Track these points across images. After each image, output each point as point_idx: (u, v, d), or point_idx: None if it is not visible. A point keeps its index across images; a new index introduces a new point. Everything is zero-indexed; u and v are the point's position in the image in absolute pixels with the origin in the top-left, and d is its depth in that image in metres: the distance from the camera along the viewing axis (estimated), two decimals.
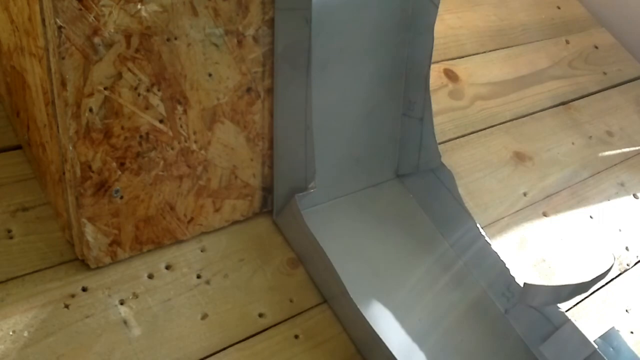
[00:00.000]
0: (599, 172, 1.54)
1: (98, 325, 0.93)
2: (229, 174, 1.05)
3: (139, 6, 0.85)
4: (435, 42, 1.15)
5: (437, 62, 1.57)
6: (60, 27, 0.79)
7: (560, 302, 0.86)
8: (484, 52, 1.69)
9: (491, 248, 1.14)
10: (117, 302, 0.96)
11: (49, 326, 0.90)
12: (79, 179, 0.90)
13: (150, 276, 1.00)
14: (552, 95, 1.69)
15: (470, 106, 1.53)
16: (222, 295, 1.02)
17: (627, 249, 1.39)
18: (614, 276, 1.33)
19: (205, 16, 0.91)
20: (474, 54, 1.66)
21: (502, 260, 1.13)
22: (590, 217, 1.43)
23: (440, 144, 1.24)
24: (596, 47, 1.94)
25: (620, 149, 1.63)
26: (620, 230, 1.43)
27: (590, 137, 1.63)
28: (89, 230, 0.94)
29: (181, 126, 0.96)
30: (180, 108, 0.95)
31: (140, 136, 0.93)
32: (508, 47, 1.74)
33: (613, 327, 1.21)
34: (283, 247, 1.11)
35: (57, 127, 0.87)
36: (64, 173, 0.91)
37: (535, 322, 1.09)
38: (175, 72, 0.92)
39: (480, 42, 1.71)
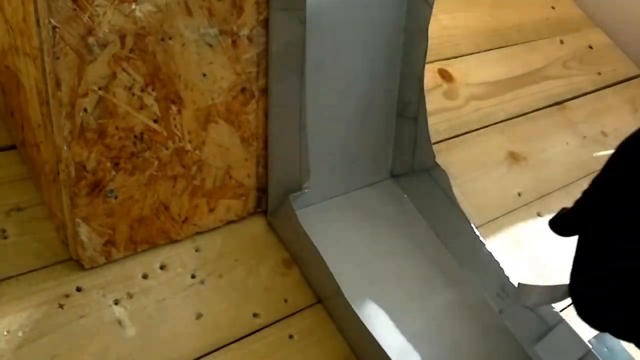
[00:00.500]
0: (593, 172, 1.54)
1: (92, 325, 0.93)
2: (223, 174, 1.05)
3: (133, 6, 0.85)
4: (430, 42, 1.15)
5: (432, 62, 1.57)
6: (54, 27, 0.79)
7: (554, 302, 0.86)
8: (479, 52, 1.69)
9: (485, 248, 1.14)
10: (111, 302, 0.96)
11: (43, 326, 0.90)
12: (74, 179, 0.90)
13: (145, 276, 1.00)
14: (547, 95, 1.69)
15: (465, 106, 1.53)
16: (216, 295, 1.02)
17: None
18: None
19: (200, 16, 0.91)
20: (468, 54, 1.67)
21: (496, 261, 1.13)
22: None
23: (434, 144, 1.24)
24: (591, 47, 1.94)
25: (614, 149, 1.63)
26: None
27: (585, 137, 1.63)
28: (84, 230, 0.94)
29: (175, 126, 0.96)
30: (174, 108, 0.95)
31: (135, 136, 0.93)
32: (502, 47, 1.74)
33: None
34: (277, 247, 1.11)
35: (52, 127, 0.87)
36: (58, 173, 0.91)
37: (529, 322, 1.09)
38: (169, 72, 0.92)
39: (474, 42, 1.71)
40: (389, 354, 0.97)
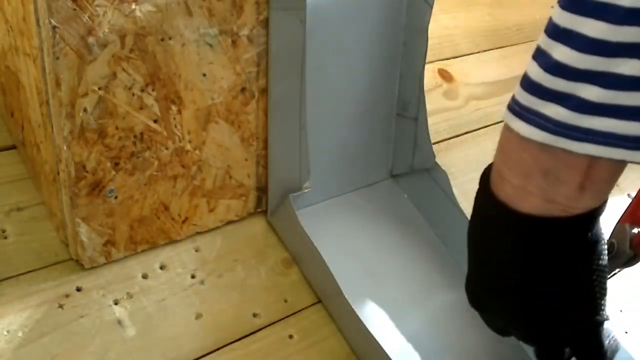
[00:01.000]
0: None
1: (92, 325, 0.93)
2: (223, 174, 1.05)
3: (133, 6, 0.85)
4: (430, 42, 1.15)
5: (432, 62, 1.57)
6: (54, 27, 0.79)
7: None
8: (479, 52, 1.69)
9: None
10: (111, 302, 0.96)
11: (43, 326, 0.90)
12: (73, 179, 0.90)
13: (145, 276, 1.00)
14: None
15: (465, 106, 1.53)
16: (216, 295, 1.02)
17: None
18: (607, 276, 1.33)
19: (200, 16, 0.91)
20: (468, 54, 1.66)
21: None
22: None
23: (434, 143, 1.24)
24: None
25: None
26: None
27: None
28: (83, 230, 0.94)
29: (175, 126, 0.96)
30: (174, 108, 0.95)
31: (135, 136, 0.93)
32: (503, 47, 1.74)
33: (607, 327, 1.21)
34: (277, 247, 1.11)
35: (52, 127, 0.87)
36: (58, 173, 0.91)
37: None
38: (169, 72, 0.92)
39: (474, 42, 1.71)
40: (389, 354, 0.97)
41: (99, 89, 0.86)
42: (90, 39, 0.83)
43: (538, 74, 0.57)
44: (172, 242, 1.05)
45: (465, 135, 1.46)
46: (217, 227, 1.09)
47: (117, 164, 0.93)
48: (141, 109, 0.91)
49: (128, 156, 0.93)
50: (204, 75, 0.96)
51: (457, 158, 1.40)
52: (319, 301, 1.07)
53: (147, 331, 0.95)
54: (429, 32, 1.14)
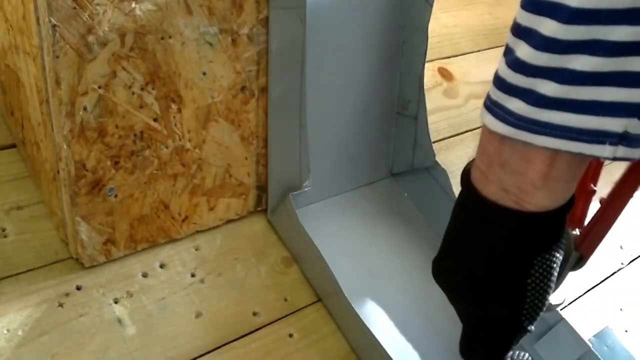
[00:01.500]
0: None
1: (92, 324, 0.93)
2: (224, 172, 1.05)
3: (133, 5, 0.85)
4: (430, 40, 1.15)
5: (432, 60, 1.57)
6: (54, 26, 0.79)
7: None
8: (479, 50, 1.69)
9: None
10: (111, 301, 0.96)
11: (43, 325, 0.90)
12: (73, 178, 0.90)
13: (145, 275, 1.00)
14: None
15: (465, 105, 1.53)
16: (216, 294, 1.02)
17: (621, 247, 1.40)
18: (608, 275, 1.33)
19: (200, 15, 0.91)
20: (468, 53, 1.66)
21: None
22: None
23: (434, 142, 1.24)
24: None
25: None
26: (614, 229, 1.43)
27: None
28: (83, 229, 0.94)
29: (175, 125, 0.96)
30: (174, 107, 0.95)
31: (135, 135, 0.93)
32: (502, 45, 1.73)
33: (607, 326, 1.21)
34: (277, 246, 1.11)
35: (52, 125, 0.87)
36: (58, 172, 0.91)
37: None
38: (169, 71, 0.92)
39: (474, 41, 1.70)
40: (389, 352, 0.97)
41: (99, 87, 0.86)
42: (90, 38, 0.83)
43: (503, 70, 0.59)
44: (172, 240, 1.05)
45: (465, 133, 1.46)
46: (217, 226, 1.09)
47: (117, 163, 0.93)
48: (141, 107, 0.91)
49: (128, 155, 0.93)
50: (204, 73, 0.96)
51: (457, 157, 1.40)
52: (319, 300, 1.07)
53: (147, 330, 0.95)
54: (429, 30, 1.14)
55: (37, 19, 0.81)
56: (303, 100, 1.03)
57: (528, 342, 1.09)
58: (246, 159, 1.07)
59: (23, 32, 0.88)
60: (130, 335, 0.93)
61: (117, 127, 0.90)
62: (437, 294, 1.14)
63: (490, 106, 0.60)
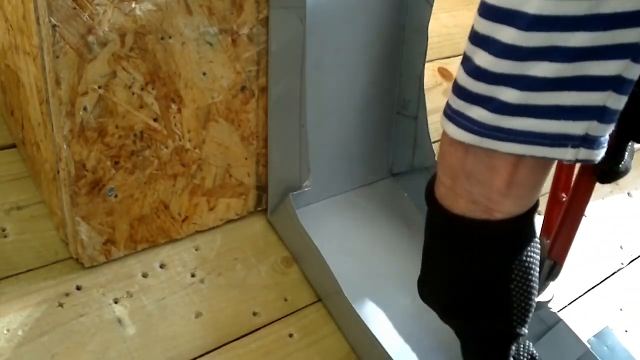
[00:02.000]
0: None
1: (92, 323, 0.93)
2: (223, 172, 1.05)
3: (133, 5, 0.85)
4: (430, 40, 1.15)
5: (432, 60, 1.57)
6: (54, 26, 0.79)
7: None
8: None
9: None
10: (111, 301, 0.96)
11: (43, 325, 0.90)
12: (73, 178, 0.90)
13: (145, 275, 1.00)
14: None
15: None
16: (216, 294, 1.02)
17: (621, 247, 1.40)
18: (607, 275, 1.33)
19: (200, 15, 0.91)
20: None
21: None
22: (584, 215, 1.43)
23: (434, 142, 1.24)
24: None
25: None
26: (614, 229, 1.43)
27: None
28: (83, 229, 0.94)
29: (175, 125, 0.96)
30: (174, 107, 0.95)
31: (135, 135, 0.93)
32: None
33: (607, 326, 1.21)
34: (277, 246, 1.11)
35: (52, 125, 0.87)
36: (58, 172, 0.91)
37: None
38: (169, 71, 0.92)
39: None
40: (389, 351, 0.97)
41: (99, 87, 0.86)
42: (90, 38, 0.83)
43: (463, 79, 0.59)
44: (172, 240, 1.05)
45: None
46: (217, 226, 1.09)
47: (117, 163, 0.93)
48: (141, 107, 0.91)
49: (128, 155, 0.93)
50: (204, 74, 0.96)
51: None
52: (319, 300, 1.07)
53: (147, 330, 0.95)
54: (429, 30, 1.14)
55: (37, 18, 0.81)
56: (303, 100, 1.03)
57: None
58: (246, 159, 1.07)
59: (23, 32, 0.88)
60: (130, 335, 0.93)
61: (117, 127, 0.90)
62: None
63: (452, 115, 0.60)
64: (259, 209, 1.14)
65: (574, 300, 1.25)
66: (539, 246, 0.67)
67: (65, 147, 0.87)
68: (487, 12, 0.56)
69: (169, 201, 1.01)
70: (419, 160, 1.23)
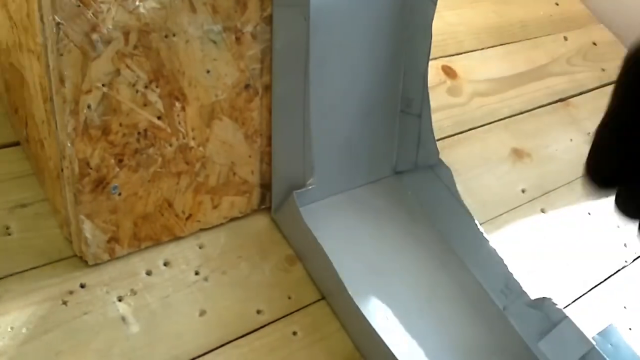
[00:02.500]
0: None
1: (96, 321, 0.93)
2: (227, 170, 1.05)
3: (137, 3, 0.85)
4: (434, 38, 1.15)
5: (435, 58, 1.57)
6: (58, 24, 0.79)
7: None
8: (482, 48, 1.69)
9: (489, 245, 1.14)
10: (115, 299, 0.96)
11: (47, 323, 0.90)
12: (77, 176, 0.90)
13: (149, 273, 1.00)
14: (551, 91, 1.69)
15: (469, 103, 1.53)
16: (220, 292, 1.02)
17: (625, 245, 1.40)
18: (611, 273, 1.33)
19: (204, 13, 0.91)
20: (472, 51, 1.66)
21: (500, 257, 1.13)
22: (589, 213, 1.43)
23: (438, 140, 1.24)
24: (594, 44, 1.94)
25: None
26: (618, 227, 1.43)
27: (589, 133, 1.63)
28: (87, 227, 0.94)
29: (179, 123, 0.96)
30: (178, 105, 0.95)
31: (139, 133, 0.93)
32: (506, 43, 1.74)
33: (611, 324, 1.21)
34: (281, 244, 1.11)
35: (56, 123, 0.87)
36: (62, 170, 0.91)
37: (533, 319, 1.09)
38: (173, 69, 0.92)
39: (478, 39, 1.70)
40: (393, 350, 0.97)
41: (103, 85, 0.86)
42: (94, 36, 0.83)
43: None
44: (176, 238, 1.05)
45: (469, 131, 1.46)
46: (221, 224, 1.09)
47: (120, 161, 0.93)
48: (145, 105, 0.91)
49: (132, 153, 0.93)
50: (208, 71, 0.96)
51: (461, 155, 1.40)
52: (323, 298, 1.07)
53: (151, 328, 0.95)
54: (433, 28, 1.14)
55: (41, 17, 0.81)
56: (307, 98, 1.03)
57: (532, 340, 1.09)
58: (250, 157, 1.07)
59: (27, 30, 0.88)
60: (134, 333, 0.93)
61: (121, 125, 0.90)
62: (441, 292, 1.14)
63: None
64: (263, 207, 1.14)
65: (578, 298, 1.25)
66: None
67: (69, 145, 0.87)
68: None
69: (173, 199, 1.01)
70: (423, 158, 1.23)
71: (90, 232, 0.95)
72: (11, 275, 0.93)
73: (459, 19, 1.73)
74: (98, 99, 0.87)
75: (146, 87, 0.90)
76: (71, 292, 0.94)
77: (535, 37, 1.82)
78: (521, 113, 1.58)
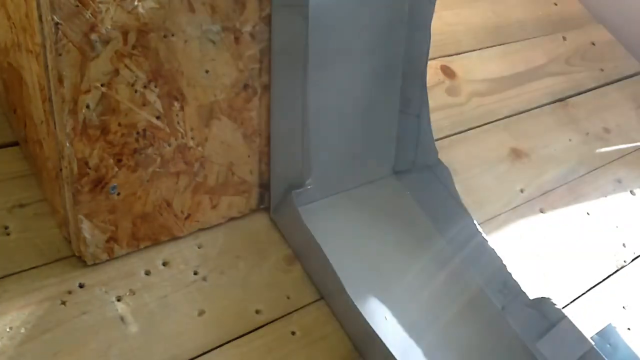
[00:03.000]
0: (595, 169, 1.54)
1: (95, 321, 0.93)
2: (226, 170, 1.05)
3: (136, 3, 0.85)
4: (432, 38, 1.15)
5: (434, 58, 1.57)
6: (57, 24, 0.79)
7: None
8: (481, 48, 1.69)
9: (488, 245, 1.14)
10: (114, 299, 0.96)
11: (45, 323, 0.90)
12: (76, 176, 0.90)
13: (147, 273, 1.00)
14: (549, 91, 1.69)
15: (467, 103, 1.53)
16: (218, 291, 1.02)
17: (624, 245, 1.40)
18: (610, 273, 1.33)
19: (202, 13, 0.91)
20: (470, 51, 1.66)
21: (498, 257, 1.13)
22: (587, 213, 1.43)
23: (437, 140, 1.24)
24: (593, 44, 1.94)
25: (617, 145, 1.63)
26: (617, 227, 1.43)
27: (587, 133, 1.63)
28: (86, 227, 0.94)
29: (178, 123, 0.96)
30: (177, 105, 0.95)
31: (137, 133, 0.93)
32: (505, 43, 1.74)
33: (610, 324, 1.21)
34: (280, 244, 1.11)
35: (54, 123, 0.87)
36: (60, 170, 0.91)
37: (532, 319, 1.09)
38: (172, 69, 0.92)
39: (477, 39, 1.71)
40: (392, 350, 0.97)
41: (102, 85, 0.86)
42: (93, 36, 0.83)
43: None
44: (174, 238, 1.05)
45: (468, 131, 1.47)
46: (220, 224, 1.09)
47: (119, 161, 0.93)
48: (144, 105, 0.91)
49: (131, 153, 0.93)
50: (207, 71, 0.96)
51: (460, 155, 1.40)
52: (321, 298, 1.07)
53: (150, 328, 0.95)
54: (432, 28, 1.14)
55: (40, 17, 0.81)
56: (305, 98, 1.03)
57: (531, 340, 1.09)
58: (249, 157, 1.07)
59: (26, 30, 0.88)
60: (132, 333, 0.93)
61: (119, 125, 0.90)
62: (440, 292, 1.14)
63: None
64: (262, 206, 1.14)
65: (577, 298, 1.25)
66: None
67: (67, 145, 0.87)
68: None
69: (172, 199, 1.01)
70: (422, 158, 1.23)
71: (89, 232, 0.95)
72: (10, 275, 0.93)
73: (458, 19, 1.73)
74: (97, 99, 0.87)
75: (145, 87, 0.90)
76: (70, 292, 0.94)
77: (534, 37, 1.82)
78: (520, 113, 1.58)
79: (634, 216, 1.48)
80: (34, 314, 0.91)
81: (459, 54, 1.64)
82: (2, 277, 0.93)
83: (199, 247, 1.05)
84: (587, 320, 1.21)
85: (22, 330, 0.89)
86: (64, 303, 0.93)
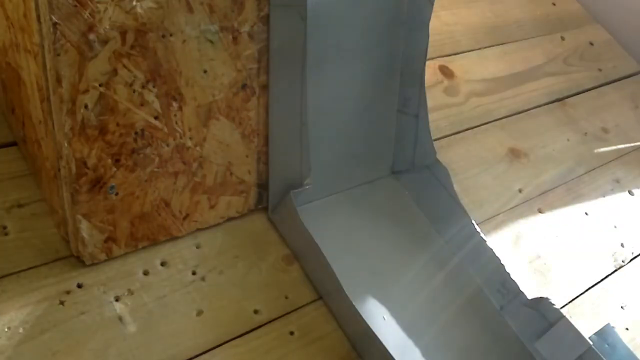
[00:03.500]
0: (594, 169, 1.54)
1: (93, 321, 0.93)
2: (224, 170, 1.05)
3: (134, 3, 0.85)
4: (431, 38, 1.15)
5: (432, 58, 1.57)
6: (55, 24, 0.79)
7: None
8: (479, 48, 1.69)
9: (486, 244, 1.14)
10: (112, 299, 0.96)
11: (44, 323, 0.90)
12: (74, 176, 0.90)
13: (146, 273, 1.00)
14: (548, 91, 1.69)
15: (466, 103, 1.53)
16: (217, 291, 1.02)
17: (622, 245, 1.40)
18: (609, 273, 1.33)
19: (201, 12, 0.91)
20: (469, 51, 1.67)
21: (497, 257, 1.13)
22: (586, 213, 1.43)
23: (435, 140, 1.24)
24: (591, 44, 1.94)
25: (615, 145, 1.63)
26: (615, 227, 1.43)
27: (586, 133, 1.63)
28: (84, 227, 0.94)
29: (176, 123, 0.96)
30: (175, 104, 0.95)
31: (136, 133, 0.93)
32: (503, 43, 1.74)
33: (608, 324, 1.21)
34: (278, 244, 1.11)
35: (53, 123, 0.87)
36: (59, 169, 0.91)
37: (530, 319, 1.09)
38: (170, 69, 0.92)
39: (475, 39, 1.71)
40: (390, 350, 0.97)
41: (100, 85, 0.86)
42: (91, 36, 0.83)
43: None
44: (173, 238, 1.05)
45: (466, 131, 1.47)
46: (218, 224, 1.09)
47: (118, 161, 0.93)
48: (142, 105, 0.91)
49: (129, 153, 0.93)
50: (205, 71, 0.96)
51: (458, 154, 1.40)
52: (320, 298, 1.07)
53: (148, 328, 0.95)
54: (430, 28, 1.14)
55: (38, 16, 0.81)
56: (304, 98, 1.03)
57: (529, 340, 1.09)
58: (247, 156, 1.07)
59: (24, 30, 0.88)
60: (131, 333, 0.93)
61: (118, 125, 0.90)
62: (438, 292, 1.14)
63: None
64: (260, 206, 1.14)
65: (575, 298, 1.25)
66: None
67: (66, 144, 0.87)
68: None
69: (170, 199, 1.01)
70: (420, 158, 1.23)
71: (87, 232, 0.95)
72: (8, 275, 0.93)
73: (456, 19, 1.73)
74: (95, 99, 0.87)
75: (143, 87, 0.90)
76: (68, 292, 0.94)
77: (532, 37, 1.82)
78: (518, 113, 1.58)
79: (632, 216, 1.48)
80: (33, 314, 0.91)
81: (458, 54, 1.64)
82: (1, 277, 0.93)
83: (197, 247, 1.05)
84: (585, 320, 1.21)
85: (21, 330, 0.89)
86: (62, 303, 0.93)
